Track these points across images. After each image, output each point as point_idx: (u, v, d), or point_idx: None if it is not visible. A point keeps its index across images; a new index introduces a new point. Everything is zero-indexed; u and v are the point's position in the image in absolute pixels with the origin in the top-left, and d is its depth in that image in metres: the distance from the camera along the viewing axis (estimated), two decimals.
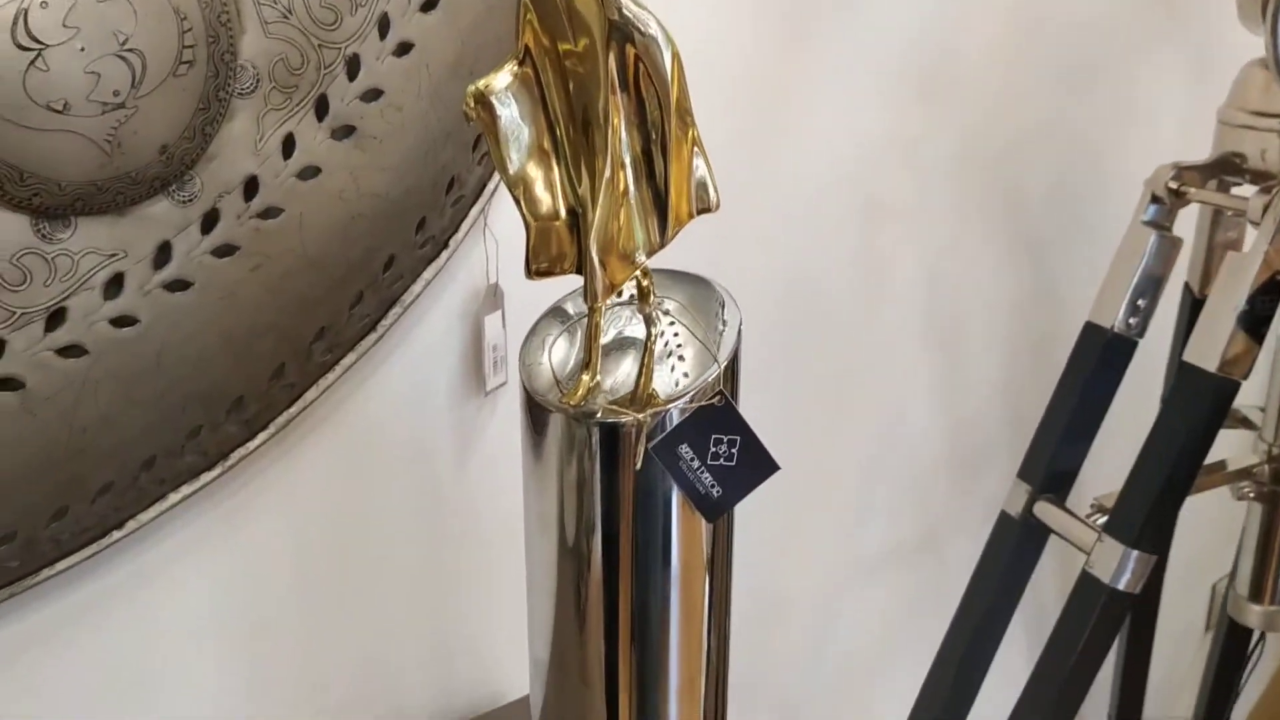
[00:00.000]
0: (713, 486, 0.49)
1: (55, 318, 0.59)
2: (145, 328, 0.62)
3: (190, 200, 0.62)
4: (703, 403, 0.48)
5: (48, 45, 0.54)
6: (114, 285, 0.61)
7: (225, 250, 0.64)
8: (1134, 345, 0.92)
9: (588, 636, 0.53)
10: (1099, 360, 0.92)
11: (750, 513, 1.03)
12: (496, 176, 0.78)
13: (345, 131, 0.67)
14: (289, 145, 0.65)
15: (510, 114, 0.46)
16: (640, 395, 0.51)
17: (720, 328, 0.52)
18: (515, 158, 0.47)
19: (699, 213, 0.49)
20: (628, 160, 0.45)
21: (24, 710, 0.68)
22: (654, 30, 0.43)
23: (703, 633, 0.54)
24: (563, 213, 0.48)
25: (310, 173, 0.66)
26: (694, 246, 0.77)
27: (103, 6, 0.56)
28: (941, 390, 1.15)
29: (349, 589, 0.79)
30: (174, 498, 0.69)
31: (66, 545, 0.66)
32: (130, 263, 0.61)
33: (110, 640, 0.71)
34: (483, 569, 0.84)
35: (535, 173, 0.47)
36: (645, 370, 0.51)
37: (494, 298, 0.81)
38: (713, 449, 0.49)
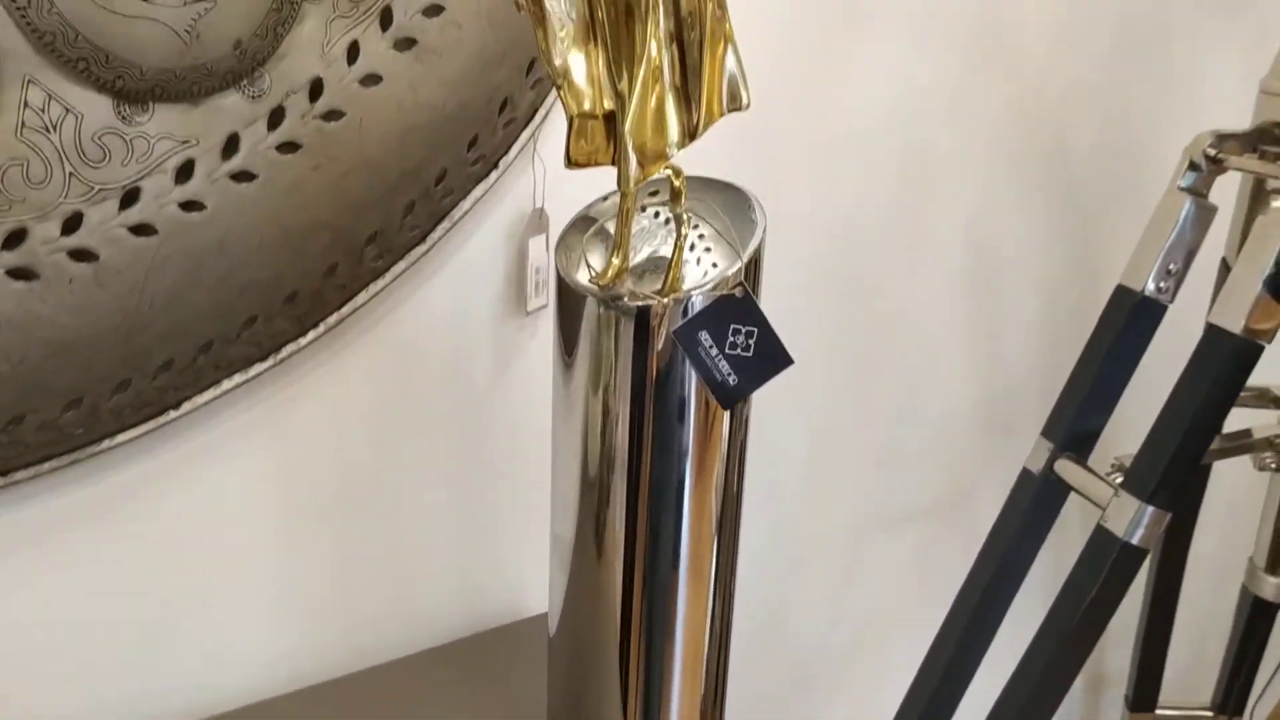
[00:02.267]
0: (729, 375, 0.52)
1: (129, 197, 0.64)
2: (211, 213, 0.66)
3: (259, 96, 0.66)
4: (723, 292, 0.51)
5: None
6: (184, 171, 0.65)
7: (289, 147, 0.68)
8: (1163, 309, 0.93)
9: (609, 516, 0.56)
10: (1127, 323, 0.93)
11: (777, 452, 1.06)
12: (549, 101, 0.82)
13: (407, 43, 0.70)
14: (353, 52, 0.69)
15: (558, 5, 0.50)
16: (667, 286, 0.54)
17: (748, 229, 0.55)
18: (561, 49, 0.50)
19: (729, 110, 0.52)
20: (664, 52, 0.48)
21: (83, 575, 0.73)
22: None
23: (713, 513, 0.57)
24: (603, 106, 0.51)
25: (372, 80, 0.70)
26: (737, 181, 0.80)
27: None
28: (975, 345, 1.17)
29: (385, 492, 0.83)
30: (227, 384, 0.73)
31: (127, 419, 0.70)
32: (200, 151, 0.65)
33: (161, 514, 0.75)
34: (514, 485, 0.88)
35: (579, 65, 0.51)
36: (674, 264, 0.54)
37: (539, 221, 0.84)
38: (731, 338, 0.52)
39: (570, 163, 0.52)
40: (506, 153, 0.80)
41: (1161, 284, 0.93)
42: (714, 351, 0.52)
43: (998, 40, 1.05)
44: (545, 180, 0.83)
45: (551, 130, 0.82)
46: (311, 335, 0.76)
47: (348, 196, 0.71)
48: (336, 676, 0.83)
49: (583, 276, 0.54)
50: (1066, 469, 0.94)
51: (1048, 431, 0.97)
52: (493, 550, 0.89)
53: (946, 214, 1.09)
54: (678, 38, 0.48)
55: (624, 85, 0.50)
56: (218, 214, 0.67)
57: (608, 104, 0.51)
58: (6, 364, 0.63)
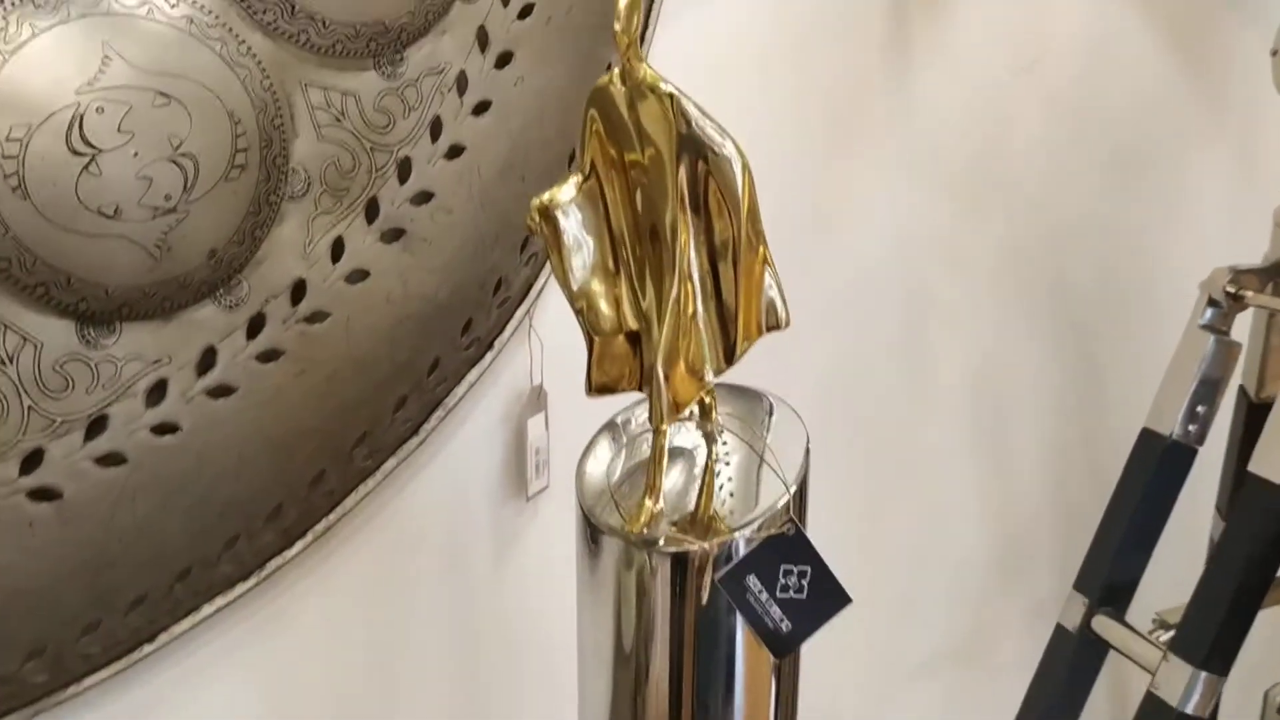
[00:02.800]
0: (781, 621, 0.47)
1: (96, 425, 0.58)
2: (186, 435, 0.60)
3: (237, 305, 0.61)
4: (773, 532, 0.46)
5: (101, 150, 0.54)
6: (156, 392, 0.59)
7: (270, 355, 0.62)
8: (1193, 453, 0.89)
9: None
10: (1157, 468, 0.89)
11: None
12: (543, 276, 0.77)
13: (395, 234, 0.65)
14: (338, 249, 0.63)
15: (574, 227, 0.45)
16: (702, 518, 0.49)
17: (766, 441, 0.50)
18: (578, 272, 0.45)
19: (768, 330, 0.47)
20: (695, 277, 0.43)
21: None
22: (728, 150, 0.41)
23: None
24: (626, 328, 0.46)
25: (358, 276, 0.64)
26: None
27: (158, 111, 0.55)
28: (986, 488, 1.12)
29: (383, 699, 0.76)
30: (208, 609, 0.66)
31: (96, 660, 0.63)
32: (174, 369, 0.59)
33: None
34: (516, 678, 0.81)
35: (599, 287, 0.46)
36: (706, 491, 0.49)
37: (537, 400, 0.79)
38: (782, 580, 0.46)
39: (593, 390, 0.47)
40: (501, 332, 0.75)
41: (1190, 426, 0.89)
42: (764, 597, 0.46)
43: (991, 179, 1.03)
44: (543, 356, 0.78)
45: (547, 305, 0.77)
46: (299, 546, 0.69)
47: (335, 399, 0.66)
48: None
49: (610, 514, 0.49)
50: (1105, 626, 0.89)
51: (1081, 585, 0.92)
52: None
53: (951, 356, 1.05)
54: (711, 262, 0.44)
55: (649, 305, 0.45)
56: (193, 434, 0.61)
57: (631, 323, 0.46)
58: None
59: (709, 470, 0.50)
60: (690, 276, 0.43)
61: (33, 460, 0.56)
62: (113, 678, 0.64)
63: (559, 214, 0.45)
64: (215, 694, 0.69)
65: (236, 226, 0.59)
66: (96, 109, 0.53)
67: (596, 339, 0.46)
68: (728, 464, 0.51)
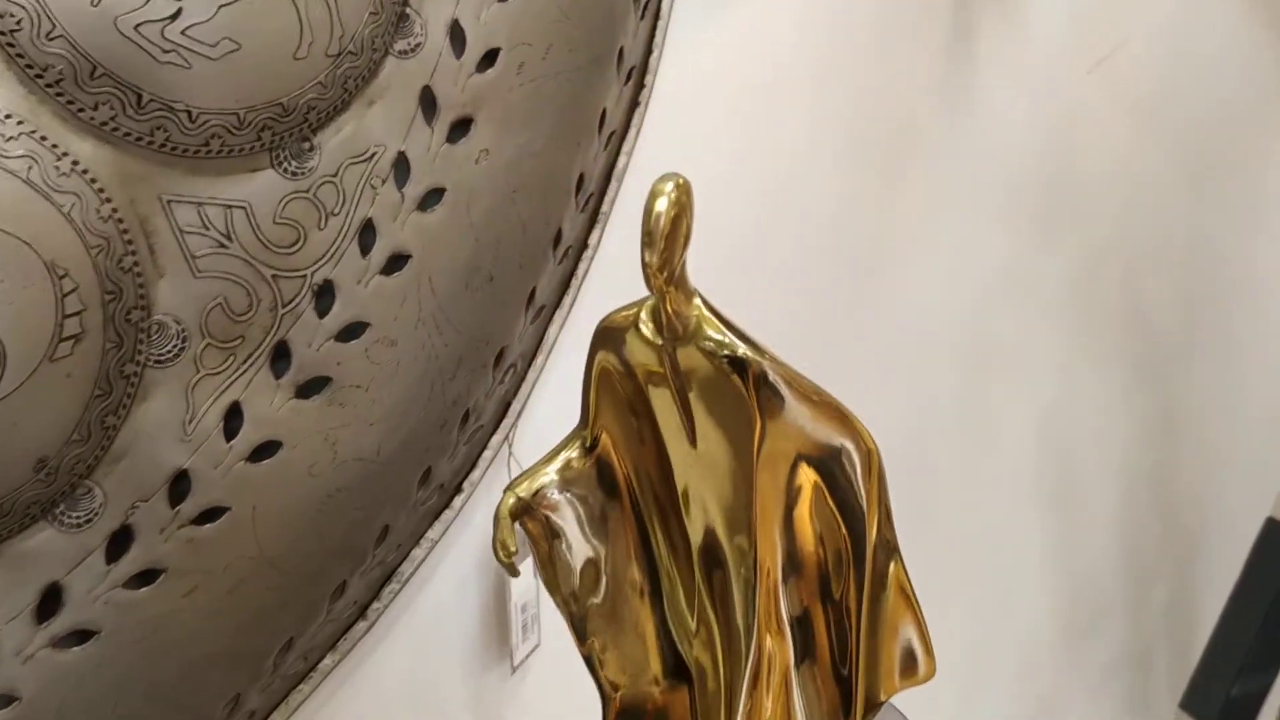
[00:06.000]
0: None
1: None
2: (28, 705, 0.43)
3: (87, 521, 0.43)
4: None
5: None
6: None
7: (145, 578, 0.44)
8: None
9: None
10: None
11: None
12: (525, 390, 0.59)
13: (316, 385, 0.47)
14: (234, 419, 0.45)
15: (575, 530, 0.27)
16: None
17: None
18: (584, 596, 0.28)
19: (903, 685, 0.30)
20: (789, 628, 0.26)
21: None
22: (850, 447, 0.23)
23: None
24: (666, 678, 0.28)
25: (266, 450, 0.46)
26: None
27: None
28: (1053, 549, 0.96)
29: None
30: None
31: None
32: (1, 623, 0.42)
33: None
34: None
35: (618, 615, 0.28)
36: None
37: (523, 542, 0.61)
38: None
39: None
40: (472, 470, 0.58)
41: None
42: None
43: (1067, 206, 0.84)
44: None
45: (530, 422, 0.59)
46: None
47: (245, 612, 0.48)
48: None
49: None
50: None
51: (1189, 703, 0.76)
52: None
53: (1015, 409, 0.88)
54: (818, 594, 0.26)
55: (703, 654, 0.27)
56: (39, 700, 0.43)
57: (673, 670, 0.28)
58: None
59: None
60: (781, 630, 0.25)
61: None
62: None
63: (549, 512, 0.27)
64: None
65: (77, 419, 0.41)
66: None
67: (616, 694, 0.29)
68: None
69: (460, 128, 0.49)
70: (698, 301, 0.24)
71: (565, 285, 0.60)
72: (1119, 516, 0.98)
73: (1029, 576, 0.95)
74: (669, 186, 0.23)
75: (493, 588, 0.61)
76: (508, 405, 0.58)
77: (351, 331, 0.47)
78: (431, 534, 0.57)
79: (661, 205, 0.23)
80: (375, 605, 0.55)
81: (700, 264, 0.63)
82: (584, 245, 0.60)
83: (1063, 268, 0.87)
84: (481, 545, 0.61)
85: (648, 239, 0.23)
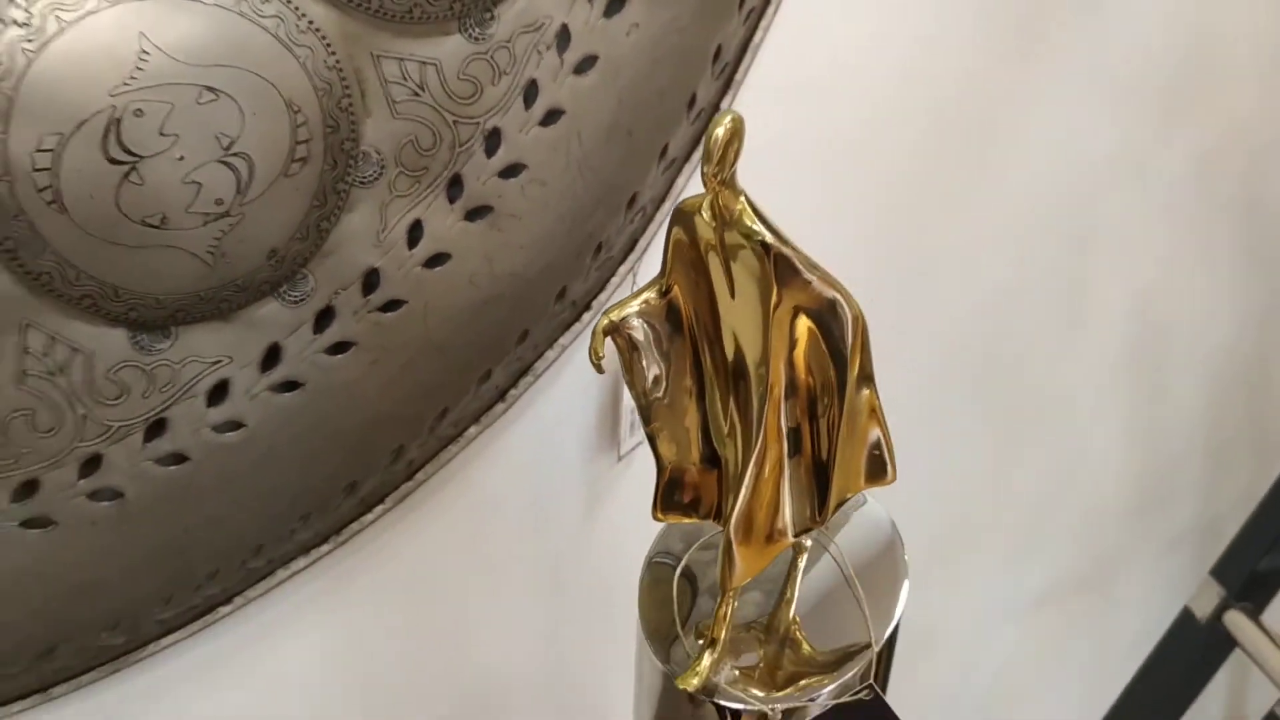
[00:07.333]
0: None
1: (155, 428, 0.55)
2: (252, 431, 0.57)
3: (302, 300, 0.56)
4: (848, 699, 0.41)
5: (142, 157, 0.48)
6: (218, 391, 0.56)
7: (340, 347, 0.58)
8: None
9: None
10: None
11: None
12: (651, 230, 0.69)
13: (480, 212, 0.59)
14: (415, 233, 0.57)
15: (652, 342, 0.38)
16: (778, 633, 0.44)
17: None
18: (652, 393, 0.39)
19: (869, 485, 0.40)
20: (785, 432, 0.36)
21: None
22: (839, 310, 0.33)
23: None
24: (703, 458, 0.40)
25: (439, 260, 0.58)
26: (893, 256, 0.67)
27: (205, 109, 0.48)
28: (1133, 424, 1.03)
29: (459, 653, 0.75)
30: (283, 574, 0.65)
31: (171, 624, 0.63)
32: (236, 368, 0.55)
33: (215, 699, 0.69)
34: (601, 634, 0.79)
35: (676, 409, 0.39)
36: (783, 617, 0.43)
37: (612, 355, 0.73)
38: None
39: (659, 516, 0.42)
40: (600, 292, 0.69)
41: None
42: None
43: (1197, 90, 0.88)
44: None
45: (653, 259, 0.70)
46: (378, 511, 0.67)
47: (412, 384, 0.61)
48: None
49: (674, 646, 0.44)
50: (1238, 624, 0.82)
51: (1220, 571, 0.84)
52: (581, 705, 0.81)
53: (1116, 288, 0.94)
54: (808, 412, 0.36)
55: (731, 437, 0.38)
56: (260, 430, 0.57)
57: (709, 453, 0.40)
58: (23, 611, 0.56)
59: (790, 581, 0.44)
60: (779, 434, 0.36)
61: (91, 465, 0.54)
62: (188, 638, 0.64)
63: (632, 332, 0.38)
64: (288, 650, 0.69)
65: (299, 222, 0.53)
66: (135, 112, 0.47)
67: (668, 465, 0.40)
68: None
69: (616, 4, 0.58)
70: (743, 200, 0.34)
71: (695, 142, 0.69)
72: (1204, 402, 1.04)
73: (1104, 445, 1.02)
74: (727, 119, 0.32)
75: (609, 389, 0.74)
76: (635, 241, 0.69)
77: (512, 170, 0.58)
78: (563, 340, 0.68)
79: (720, 132, 0.32)
80: (513, 392, 0.68)
81: (843, 117, 0.72)
82: (715, 108, 0.69)
83: (1180, 157, 0.91)
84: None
85: (707, 155, 0.33)
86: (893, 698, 1.05)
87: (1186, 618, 0.85)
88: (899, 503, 0.93)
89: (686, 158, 0.69)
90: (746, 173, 0.66)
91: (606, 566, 0.77)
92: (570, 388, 0.72)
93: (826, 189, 0.77)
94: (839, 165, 0.77)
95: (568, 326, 0.68)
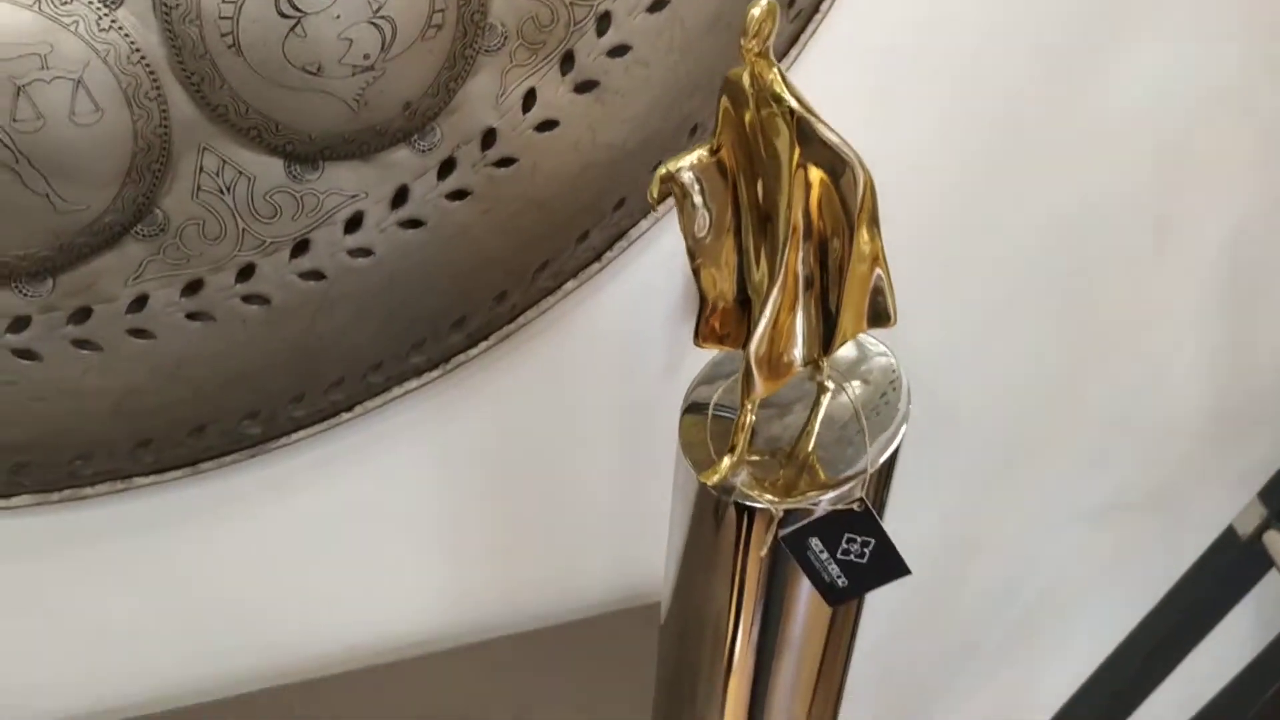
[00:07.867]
0: (839, 577, 0.50)
1: (300, 247, 0.65)
2: (379, 259, 0.67)
3: (429, 149, 0.65)
4: (841, 507, 0.49)
5: (307, 14, 0.57)
6: (354, 222, 0.65)
7: (458, 194, 0.67)
8: None
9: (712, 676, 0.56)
10: None
11: (960, 449, 1.02)
12: None
13: (587, 86, 0.67)
14: (530, 100, 0.66)
15: (700, 191, 0.46)
16: (788, 461, 0.52)
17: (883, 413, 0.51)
18: (700, 234, 0.47)
19: (871, 327, 0.47)
20: (801, 273, 0.44)
21: (258, 546, 0.80)
22: (851, 171, 0.40)
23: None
24: (737, 295, 0.47)
25: (548, 125, 0.67)
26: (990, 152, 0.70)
27: None
28: (1216, 358, 1.06)
29: (548, 469, 0.86)
30: (397, 391, 0.76)
31: (301, 421, 0.75)
32: (370, 203, 0.65)
33: (334, 489, 0.81)
34: (667, 473, 0.88)
35: (717, 252, 0.47)
36: (802, 439, 0.51)
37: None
38: (844, 545, 0.49)
39: (700, 342, 0.50)
40: None
41: None
42: (824, 556, 0.50)
43: None
44: None
45: None
46: (482, 346, 0.77)
47: (518, 234, 0.70)
48: (496, 636, 0.89)
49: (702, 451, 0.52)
50: (1276, 544, 0.86)
51: (1267, 494, 0.88)
52: (650, 532, 0.91)
53: (1205, 211, 0.96)
54: (820, 259, 0.44)
55: (760, 279, 0.46)
56: (385, 259, 0.67)
57: (742, 290, 0.47)
58: (188, 389, 0.68)
59: (805, 433, 0.52)
60: (796, 274, 0.43)
61: (246, 272, 0.65)
62: (314, 436, 0.76)
63: (685, 180, 0.46)
64: (398, 455, 0.80)
65: (431, 80, 0.62)
66: None
67: (709, 297, 0.48)
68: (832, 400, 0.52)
69: None
70: (775, 72, 0.41)
71: (794, 40, 0.76)
72: None
73: (1183, 371, 1.05)
74: (764, 1, 0.39)
75: None
76: None
77: (619, 51, 0.66)
78: (657, 211, 0.76)
79: (756, 11, 0.39)
80: (608, 254, 0.76)
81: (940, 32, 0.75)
82: (815, 10, 0.75)
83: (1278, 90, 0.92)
84: None
85: (744, 32, 0.40)
86: (939, 595, 1.12)
87: (1229, 535, 0.89)
88: (963, 397, 0.99)
89: (784, 54, 0.76)
90: (882, 71, 0.72)
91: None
92: (661, 257, 0.80)
93: (953, 97, 0.81)
94: (958, 74, 0.81)
95: (664, 198, 0.76)
